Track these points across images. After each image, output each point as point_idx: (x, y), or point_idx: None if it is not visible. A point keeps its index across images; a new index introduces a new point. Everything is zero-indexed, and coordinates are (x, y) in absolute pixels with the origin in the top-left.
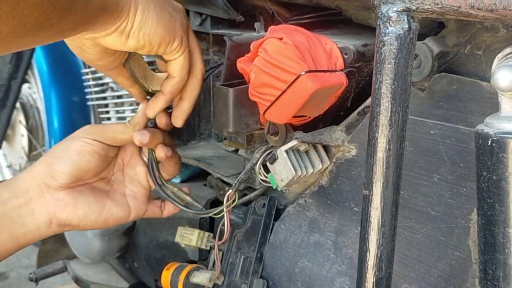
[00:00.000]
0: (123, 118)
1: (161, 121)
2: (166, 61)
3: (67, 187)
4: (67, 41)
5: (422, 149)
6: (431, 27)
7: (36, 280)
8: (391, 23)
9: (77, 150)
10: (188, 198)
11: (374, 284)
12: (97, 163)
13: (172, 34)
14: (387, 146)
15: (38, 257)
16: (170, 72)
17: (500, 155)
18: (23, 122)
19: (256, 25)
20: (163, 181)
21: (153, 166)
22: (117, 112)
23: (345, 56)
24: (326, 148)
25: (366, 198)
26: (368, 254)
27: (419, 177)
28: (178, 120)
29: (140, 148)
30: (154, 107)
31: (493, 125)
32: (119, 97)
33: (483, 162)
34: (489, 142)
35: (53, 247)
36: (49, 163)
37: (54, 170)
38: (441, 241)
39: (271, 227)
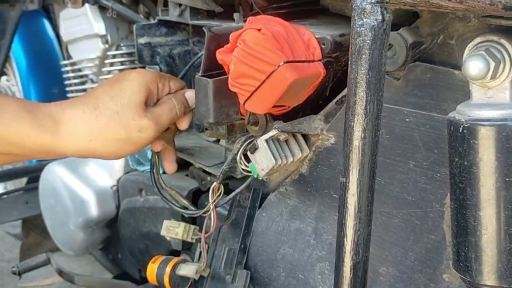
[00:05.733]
0: None
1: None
2: None
3: None
4: None
5: (397, 137)
6: (406, 17)
7: (20, 273)
8: (365, 15)
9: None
10: (184, 201)
11: (352, 267)
12: None
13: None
14: (363, 135)
15: (21, 251)
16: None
17: (471, 141)
18: None
19: (235, 15)
20: (164, 184)
21: (153, 169)
22: None
23: (323, 46)
24: (305, 137)
25: (343, 185)
26: (345, 239)
27: (395, 163)
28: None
29: None
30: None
31: (465, 113)
32: None
33: (455, 148)
34: (461, 129)
35: (36, 240)
36: None
37: None
38: (416, 225)
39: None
